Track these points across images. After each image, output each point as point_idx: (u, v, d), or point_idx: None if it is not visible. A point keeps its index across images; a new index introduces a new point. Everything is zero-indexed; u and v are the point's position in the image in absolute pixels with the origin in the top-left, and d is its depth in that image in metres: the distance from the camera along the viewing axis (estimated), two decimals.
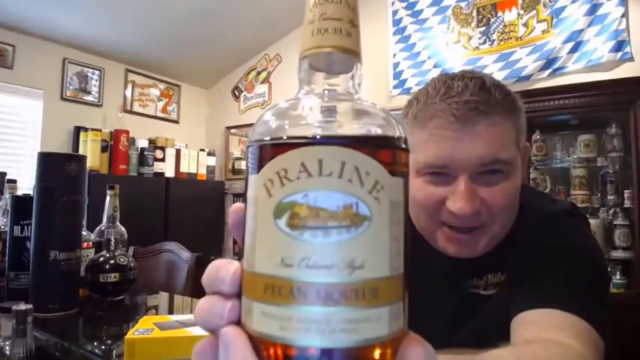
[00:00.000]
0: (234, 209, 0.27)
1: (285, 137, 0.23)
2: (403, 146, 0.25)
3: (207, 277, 0.26)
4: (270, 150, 0.23)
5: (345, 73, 0.27)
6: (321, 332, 0.21)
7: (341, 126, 0.25)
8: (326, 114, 0.25)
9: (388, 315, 0.22)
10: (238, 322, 0.24)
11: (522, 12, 2.62)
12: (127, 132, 3.11)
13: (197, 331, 0.75)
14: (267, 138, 0.24)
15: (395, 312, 0.22)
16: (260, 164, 0.23)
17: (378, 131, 0.24)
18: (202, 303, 0.26)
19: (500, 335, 0.58)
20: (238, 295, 0.25)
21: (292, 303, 0.21)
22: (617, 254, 2.12)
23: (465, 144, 0.60)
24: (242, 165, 3.88)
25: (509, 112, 0.63)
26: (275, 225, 0.22)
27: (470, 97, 0.61)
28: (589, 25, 2.38)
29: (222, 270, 0.25)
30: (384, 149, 0.24)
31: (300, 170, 0.22)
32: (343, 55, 0.26)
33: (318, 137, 0.23)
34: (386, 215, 0.22)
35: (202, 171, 3.59)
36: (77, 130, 3.04)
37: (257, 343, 0.22)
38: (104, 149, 2.97)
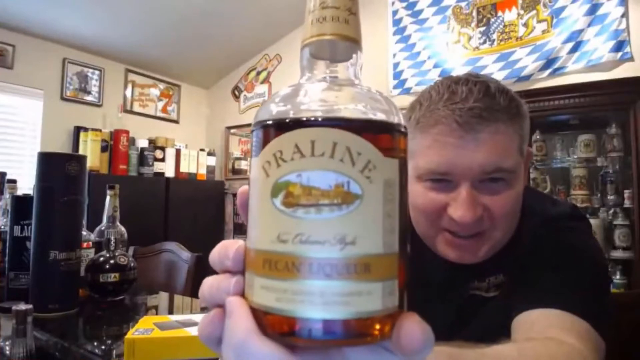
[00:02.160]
0: (241, 190, 0.29)
1: (280, 121, 0.24)
2: (399, 130, 0.25)
3: (215, 255, 0.28)
4: (268, 133, 0.24)
5: (345, 60, 0.28)
6: (315, 304, 0.22)
7: (338, 110, 0.25)
8: (324, 99, 0.26)
9: (381, 291, 0.23)
10: (243, 296, 0.25)
11: (522, 12, 2.62)
12: (127, 132, 3.11)
13: (196, 331, 0.75)
14: (265, 121, 0.25)
15: (388, 289, 0.23)
16: (260, 147, 0.25)
17: (374, 115, 0.25)
18: (210, 280, 0.28)
19: (502, 337, 0.58)
20: (242, 272, 0.26)
21: (288, 277, 0.22)
22: (617, 254, 2.12)
23: (468, 152, 0.60)
24: (242, 165, 3.88)
25: (513, 118, 0.62)
26: (272, 203, 0.23)
27: (474, 103, 0.60)
28: (589, 25, 2.38)
29: (227, 248, 0.27)
30: (376, 132, 0.24)
31: (294, 152, 0.23)
32: (342, 42, 0.27)
33: (311, 119, 0.23)
34: (379, 193, 0.23)
35: (202, 171, 3.59)
36: (77, 130, 3.04)
37: (258, 314, 0.24)
38: (104, 149, 2.97)
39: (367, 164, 0.23)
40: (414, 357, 0.23)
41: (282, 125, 0.24)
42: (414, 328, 0.23)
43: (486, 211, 0.61)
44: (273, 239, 0.23)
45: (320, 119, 0.23)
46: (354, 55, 0.28)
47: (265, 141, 0.24)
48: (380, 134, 0.24)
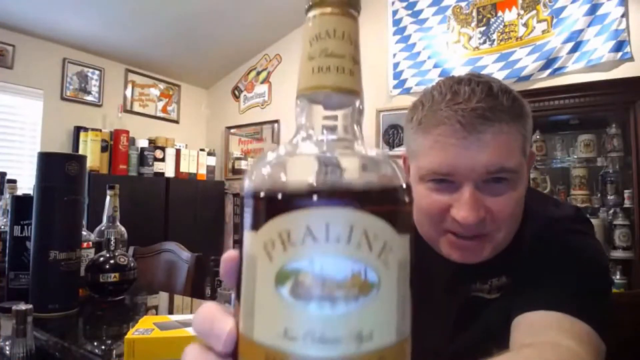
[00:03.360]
0: (227, 258, 0.25)
1: (287, 196, 0.22)
2: (407, 199, 0.23)
3: (200, 325, 0.25)
4: (271, 208, 0.21)
5: (348, 113, 0.25)
6: None
7: (345, 180, 0.23)
8: (328, 165, 0.24)
9: None
10: None
11: (522, 12, 2.62)
12: (127, 132, 3.11)
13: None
14: (266, 192, 0.22)
15: None
16: (259, 221, 0.22)
17: (385, 185, 0.23)
18: (194, 356, 0.25)
19: (503, 339, 0.58)
20: (231, 354, 0.23)
21: None
22: (617, 254, 2.12)
23: (471, 153, 0.59)
24: (242, 165, 3.88)
25: (516, 119, 0.62)
26: (277, 292, 0.21)
27: (477, 103, 0.59)
28: (589, 25, 2.38)
29: (217, 325, 0.24)
30: (392, 206, 0.22)
31: (306, 235, 0.20)
32: (345, 95, 0.25)
33: (325, 197, 0.21)
34: (394, 278, 0.21)
35: (202, 171, 3.59)
36: (77, 130, 3.04)
37: None
38: (104, 149, 2.97)
39: (383, 247, 0.21)
40: None
41: (291, 202, 0.21)
42: None
43: (489, 213, 0.61)
44: (279, 333, 0.20)
45: (334, 197, 0.21)
46: (357, 108, 0.26)
47: (268, 215, 0.21)
48: (395, 208, 0.22)
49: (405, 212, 0.23)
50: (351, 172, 0.24)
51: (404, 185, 0.24)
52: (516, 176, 0.62)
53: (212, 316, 0.24)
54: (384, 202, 0.22)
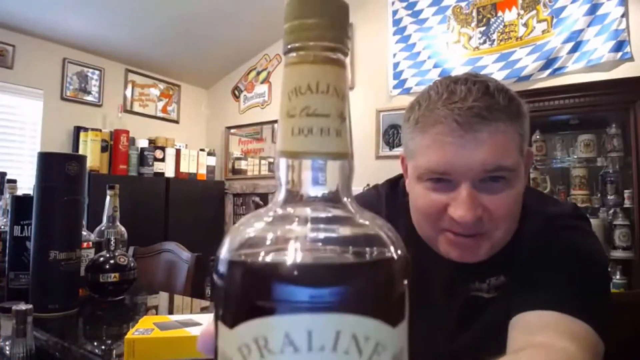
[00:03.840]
0: (202, 336, 0.24)
1: (264, 294, 0.19)
2: (404, 276, 0.21)
3: (203, 345, 0.24)
4: (246, 306, 0.19)
5: (335, 180, 0.22)
6: None
7: (331, 275, 0.19)
8: (312, 256, 0.20)
9: None
10: None
11: (522, 12, 2.62)
12: (127, 132, 3.11)
13: (196, 331, 0.75)
14: (241, 286, 0.20)
15: None
16: (233, 317, 0.19)
17: (379, 271, 0.20)
18: None
19: (502, 339, 0.58)
20: None
21: None
22: (617, 254, 2.12)
23: (468, 151, 0.59)
24: (242, 165, 3.88)
25: (513, 118, 0.62)
26: None
27: (473, 102, 0.59)
28: (589, 25, 2.38)
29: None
30: (386, 294, 0.20)
31: (285, 344, 0.18)
32: (332, 160, 0.22)
33: (306, 302, 0.18)
34: None
35: (202, 171, 3.59)
36: (77, 130, 3.04)
37: None
38: (104, 149, 2.97)
39: (375, 349, 0.18)
40: None
41: (267, 306, 0.18)
42: None
43: (486, 212, 0.61)
44: None
45: (320, 303, 0.18)
46: (345, 171, 0.22)
47: (242, 314, 0.19)
48: (390, 294, 0.20)
49: (401, 294, 0.20)
50: (338, 257, 0.20)
51: (398, 256, 0.21)
52: (513, 175, 0.62)
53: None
54: (377, 296, 0.20)
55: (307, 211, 0.22)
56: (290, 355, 0.18)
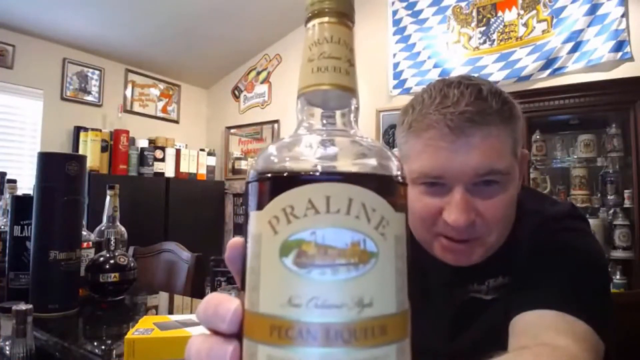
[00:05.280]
0: (232, 243, 0.26)
1: (290, 174, 0.23)
2: (402, 180, 0.25)
3: (203, 311, 0.25)
4: (275, 186, 0.23)
5: (343, 109, 0.27)
6: None
7: (344, 163, 0.25)
8: (328, 151, 0.26)
9: (395, 354, 0.22)
10: None
11: (522, 12, 2.62)
12: (127, 132, 3.11)
13: (197, 331, 0.75)
14: (270, 173, 0.24)
15: (401, 349, 0.22)
16: (264, 200, 0.23)
17: (381, 168, 0.25)
18: (200, 344, 0.25)
19: (503, 340, 0.58)
20: (237, 335, 0.24)
21: (301, 344, 0.21)
22: (617, 254, 2.12)
23: (460, 156, 0.60)
24: (242, 165, 3.88)
25: (506, 121, 0.62)
26: (281, 263, 0.22)
27: (465, 107, 0.60)
28: (589, 25, 2.38)
29: (221, 307, 0.24)
30: (388, 185, 0.24)
31: (308, 207, 0.22)
32: (341, 92, 0.27)
33: (325, 173, 0.23)
34: (392, 250, 0.23)
35: (202, 171, 3.59)
36: (77, 130, 3.04)
37: None
38: (104, 149, 2.97)
39: (381, 220, 0.22)
40: None
41: (293, 179, 0.23)
42: None
43: (480, 216, 0.61)
44: (283, 302, 0.21)
45: (334, 173, 0.23)
46: (352, 105, 0.28)
47: (272, 194, 0.23)
48: (391, 188, 0.24)
49: (400, 193, 0.24)
50: (349, 154, 0.26)
51: (397, 168, 0.25)
52: (507, 178, 0.62)
53: (217, 301, 0.25)
54: (381, 180, 0.24)
55: (321, 128, 0.27)
56: (312, 217, 0.22)
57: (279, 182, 0.23)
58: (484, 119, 0.60)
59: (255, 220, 0.23)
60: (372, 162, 0.25)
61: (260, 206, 0.23)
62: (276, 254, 0.22)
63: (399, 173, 0.25)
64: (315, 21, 0.27)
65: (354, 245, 0.21)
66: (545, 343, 0.53)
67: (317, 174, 0.22)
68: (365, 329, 0.21)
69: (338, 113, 0.27)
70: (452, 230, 0.62)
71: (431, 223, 0.65)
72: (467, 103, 0.60)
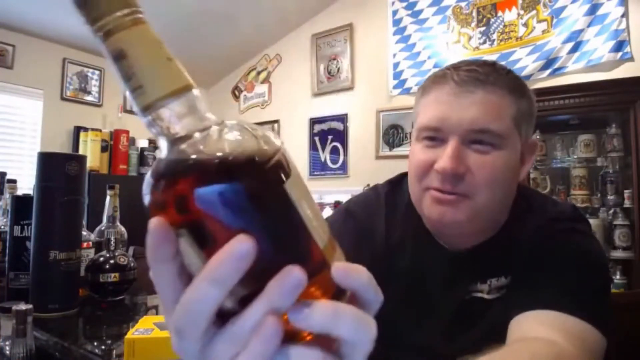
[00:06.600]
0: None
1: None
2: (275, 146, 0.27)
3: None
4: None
5: (181, 107, 0.28)
6: None
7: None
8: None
9: None
10: None
11: (522, 12, 2.62)
12: (127, 132, 3.11)
13: None
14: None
15: None
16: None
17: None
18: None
19: (503, 340, 0.58)
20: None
21: None
22: (617, 254, 2.12)
23: (460, 108, 0.62)
24: None
25: (512, 91, 0.64)
26: None
27: (476, 67, 0.63)
28: (589, 25, 2.38)
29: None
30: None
31: None
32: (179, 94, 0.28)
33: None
34: None
35: None
36: (77, 130, 3.04)
37: None
38: (104, 149, 2.96)
39: None
40: None
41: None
42: None
43: (469, 172, 0.62)
44: None
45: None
46: (196, 100, 0.29)
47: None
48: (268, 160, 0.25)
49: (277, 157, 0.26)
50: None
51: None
52: (502, 142, 0.62)
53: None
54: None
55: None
56: None
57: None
58: (489, 79, 0.62)
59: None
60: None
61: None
62: None
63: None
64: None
65: None
66: (534, 337, 0.53)
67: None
68: None
69: (181, 121, 0.29)
70: (439, 179, 0.63)
71: (423, 175, 0.66)
72: (478, 65, 0.64)
